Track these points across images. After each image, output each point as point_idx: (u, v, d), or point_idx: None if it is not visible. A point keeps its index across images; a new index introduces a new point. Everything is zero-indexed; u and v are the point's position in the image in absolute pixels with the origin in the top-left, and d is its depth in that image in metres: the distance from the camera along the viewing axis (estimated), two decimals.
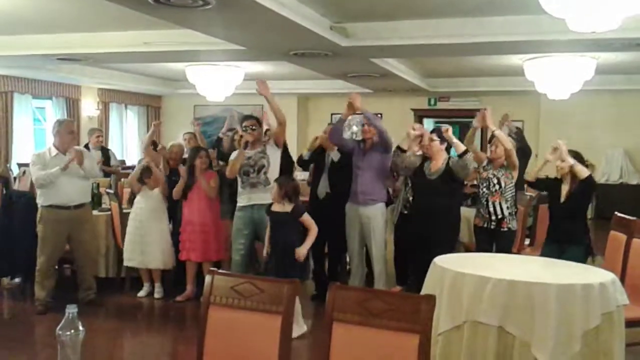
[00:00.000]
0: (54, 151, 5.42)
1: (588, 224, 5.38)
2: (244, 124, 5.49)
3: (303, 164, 6.41)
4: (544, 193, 5.62)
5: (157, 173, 5.96)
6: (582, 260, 4.66)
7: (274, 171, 5.39)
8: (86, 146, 8.80)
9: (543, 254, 5.05)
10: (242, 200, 5.40)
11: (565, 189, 5.00)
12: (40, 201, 5.42)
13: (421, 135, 5.37)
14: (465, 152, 5.12)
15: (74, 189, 5.43)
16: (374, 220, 5.60)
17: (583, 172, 4.86)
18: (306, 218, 4.84)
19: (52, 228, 5.39)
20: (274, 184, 4.90)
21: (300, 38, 6.33)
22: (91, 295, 5.63)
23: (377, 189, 5.64)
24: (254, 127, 5.45)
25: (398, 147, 5.41)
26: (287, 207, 4.81)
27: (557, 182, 5.09)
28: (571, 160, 4.91)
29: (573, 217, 4.96)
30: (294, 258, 4.74)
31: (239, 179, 5.43)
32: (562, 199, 5.00)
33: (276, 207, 4.84)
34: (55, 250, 5.47)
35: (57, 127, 5.52)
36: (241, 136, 5.38)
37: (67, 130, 5.49)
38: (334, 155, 5.93)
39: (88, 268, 5.68)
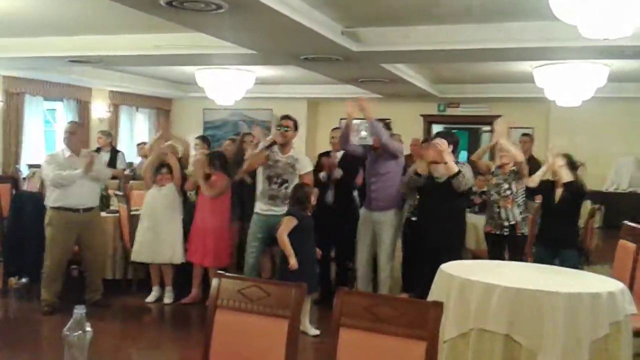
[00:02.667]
0: (68, 152, 5.44)
1: (580, 229, 5.44)
2: (279, 123, 5.34)
3: (322, 185, 6.30)
4: None
5: (175, 165, 5.95)
6: (577, 262, 4.68)
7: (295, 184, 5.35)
8: (98, 149, 8.87)
9: (535, 256, 5.08)
10: (259, 207, 5.37)
11: (559, 192, 5.03)
12: (49, 202, 5.42)
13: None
14: (457, 174, 5.05)
15: (85, 191, 5.45)
16: (385, 225, 5.62)
17: (566, 176, 4.87)
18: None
19: (61, 231, 5.39)
20: None
21: (312, 42, 6.34)
22: (97, 296, 5.64)
23: (390, 195, 5.65)
24: (287, 128, 5.30)
25: (416, 173, 5.34)
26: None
27: (552, 185, 5.11)
28: (560, 162, 4.92)
29: (565, 220, 4.99)
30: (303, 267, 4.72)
31: (261, 182, 5.38)
32: (556, 202, 5.05)
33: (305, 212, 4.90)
34: (63, 253, 5.47)
35: (70, 127, 5.56)
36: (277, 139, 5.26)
37: (71, 131, 5.49)
38: (336, 172, 5.93)
39: (96, 271, 5.68)
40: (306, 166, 5.35)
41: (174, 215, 5.95)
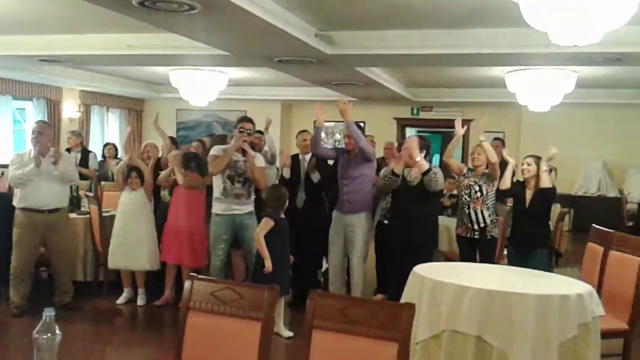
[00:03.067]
0: (34, 152, 5.35)
1: (550, 230, 5.55)
2: (241, 125, 5.36)
3: (287, 183, 6.36)
4: None
5: (145, 170, 5.90)
6: (548, 263, 4.78)
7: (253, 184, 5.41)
8: (68, 149, 8.74)
9: (509, 258, 5.18)
10: (220, 208, 5.36)
11: (529, 193, 5.13)
12: (15, 203, 5.36)
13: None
14: (428, 171, 5.15)
15: (50, 192, 5.35)
16: (357, 228, 5.63)
17: (546, 182, 5.00)
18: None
19: (26, 232, 5.33)
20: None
21: (285, 45, 6.34)
22: (67, 298, 5.56)
23: (362, 198, 5.67)
24: (249, 131, 5.37)
25: (393, 173, 5.38)
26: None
27: (522, 187, 5.21)
28: (545, 167, 5.03)
29: (536, 221, 5.09)
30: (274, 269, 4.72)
31: (220, 183, 5.37)
32: (527, 204, 5.14)
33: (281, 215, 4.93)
34: (28, 254, 5.39)
35: (38, 128, 5.44)
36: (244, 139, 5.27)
37: (39, 131, 5.38)
38: (314, 177, 5.95)
39: (65, 273, 5.60)
40: (258, 162, 5.39)
41: (145, 221, 5.89)
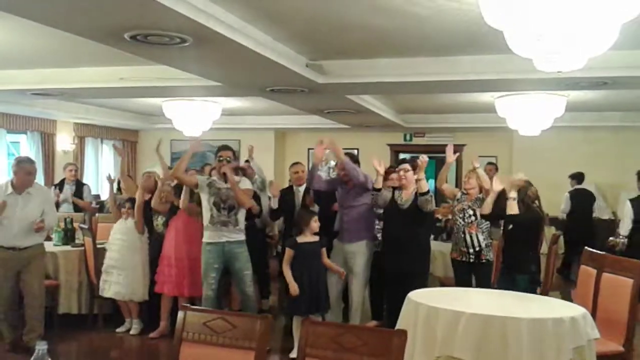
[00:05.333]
0: (10, 189, 5.24)
1: (539, 255, 5.60)
2: (219, 154, 5.50)
3: (273, 214, 6.44)
4: None
5: (137, 202, 5.92)
6: (529, 289, 4.80)
7: (243, 211, 5.43)
8: (62, 181, 8.74)
9: (497, 282, 5.20)
10: (211, 237, 5.38)
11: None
12: None
13: (387, 172, 5.52)
14: (426, 192, 5.23)
15: (23, 232, 5.21)
16: (357, 255, 5.66)
17: (511, 209, 5.00)
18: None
19: (0, 268, 5.17)
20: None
21: (277, 75, 6.41)
22: (35, 339, 5.12)
23: (362, 226, 5.72)
24: (229, 159, 5.46)
25: (373, 188, 5.49)
26: (314, 237, 5.09)
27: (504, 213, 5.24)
28: (513, 194, 5.00)
29: (518, 246, 5.12)
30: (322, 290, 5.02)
31: (207, 210, 5.39)
32: (508, 229, 5.19)
33: (303, 239, 5.08)
34: (6, 289, 5.24)
35: (17, 165, 5.32)
36: (219, 167, 5.36)
37: (26, 172, 5.28)
38: (313, 209, 6.00)
39: (33, 309, 5.34)
40: (245, 184, 5.54)
41: (135, 252, 5.89)
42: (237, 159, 5.72)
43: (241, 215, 5.44)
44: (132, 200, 5.95)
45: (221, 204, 5.35)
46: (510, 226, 5.20)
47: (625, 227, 7.18)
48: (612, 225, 10.13)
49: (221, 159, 5.45)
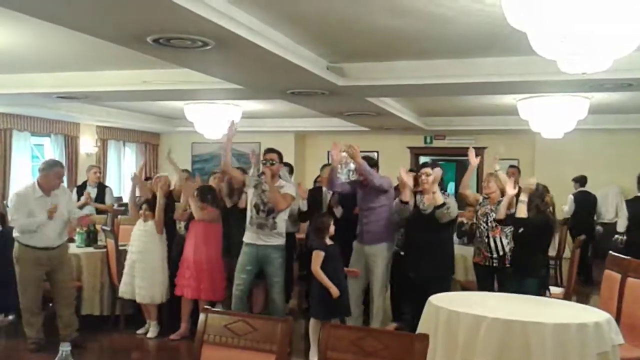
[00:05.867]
0: (39, 192, 5.35)
1: (548, 259, 5.64)
2: (264, 157, 5.51)
3: (302, 215, 6.40)
4: None
5: (158, 205, 5.95)
6: (537, 293, 4.73)
7: (283, 215, 5.42)
8: (84, 183, 8.84)
9: (504, 281, 5.14)
10: (248, 238, 5.40)
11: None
12: (17, 237, 5.34)
13: (414, 179, 5.50)
14: (442, 205, 5.20)
15: (56, 232, 5.40)
16: (377, 258, 5.67)
17: (521, 212, 4.93)
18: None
19: (30, 267, 5.32)
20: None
21: (297, 78, 6.42)
22: (74, 333, 5.51)
23: (382, 228, 5.73)
24: (273, 162, 5.44)
25: (400, 201, 5.46)
26: (331, 241, 5.12)
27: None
28: (523, 197, 4.95)
29: (529, 249, 5.04)
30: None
31: (248, 212, 5.41)
32: (519, 232, 5.13)
33: (329, 242, 5.12)
34: (36, 289, 5.39)
35: (47, 169, 5.43)
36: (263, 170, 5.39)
37: (57, 176, 5.42)
38: (337, 211, 6.00)
39: (67, 306, 5.54)
40: (287, 190, 5.48)
41: (154, 254, 5.92)
42: (281, 162, 5.65)
43: (280, 219, 5.41)
44: (148, 202, 5.99)
45: (261, 205, 5.36)
46: (521, 229, 5.13)
47: (622, 225, 8.33)
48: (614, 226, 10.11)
49: (265, 161, 5.44)
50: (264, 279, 5.60)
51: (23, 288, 5.34)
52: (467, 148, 5.89)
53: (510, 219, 5.14)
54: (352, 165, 5.61)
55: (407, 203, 5.46)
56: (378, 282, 5.66)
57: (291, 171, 5.96)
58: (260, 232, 5.34)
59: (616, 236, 8.45)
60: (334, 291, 4.90)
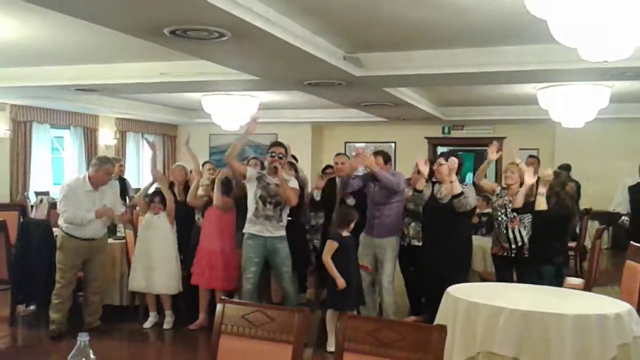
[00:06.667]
0: (88, 186, 5.46)
1: (566, 248, 5.65)
2: (272, 150, 5.46)
3: (315, 205, 6.36)
4: None
5: (168, 196, 5.97)
6: (553, 280, 4.69)
7: (286, 207, 5.44)
8: None
9: (523, 272, 5.10)
10: (252, 228, 5.39)
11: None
12: (62, 227, 5.47)
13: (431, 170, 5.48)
14: (460, 194, 5.15)
15: (99, 225, 5.60)
16: (387, 250, 5.67)
17: (542, 205, 4.89)
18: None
19: (73, 256, 5.48)
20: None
21: (314, 68, 6.40)
22: (97, 321, 5.65)
23: (394, 222, 5.73)
24: (281, 155, 5.42)
25: (414, 190, 5.46)
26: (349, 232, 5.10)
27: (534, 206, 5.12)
28: (542, 190, 4.88)
29: (547, 237, 4.98)
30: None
31: (253, 203, 5.42)
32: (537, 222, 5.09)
33: (345, 233, 5.09)
34: (74, 276, 5.56)
35: (99, 165, 5.52)
36: (274, 165, 5.35)
37: (106, 172, 5.54)
38: (349, 201, 5.98)
39: (98, 294, 5.72)
40: (293, 184, 5.45)
41: (166, 244, 5.95)
42: (287, 156, 5.63)
43: (285, 212, 5.43)
44: (160, 195, 6.01)
45: (268, 198, 5.35)
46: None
47: (624, 208, 9.15)
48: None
49: (273, 154, 5.40)
50: (269, 269, 5.63)
51: (61, 274, 5.46)
52: (486, 138, 5.84)
53: (528, 208, 5.09)
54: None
55: (421, 191, 5.46)
56: (387, 273, 5.68)
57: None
58: (267, 223, 5.34)
59: (623, 218, 9.32)
60: (340, 282, 4.90)
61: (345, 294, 4.92)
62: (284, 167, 5.41)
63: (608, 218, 10.23)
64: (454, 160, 5.25)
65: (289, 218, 5.59)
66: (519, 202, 5.14)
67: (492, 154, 5.63)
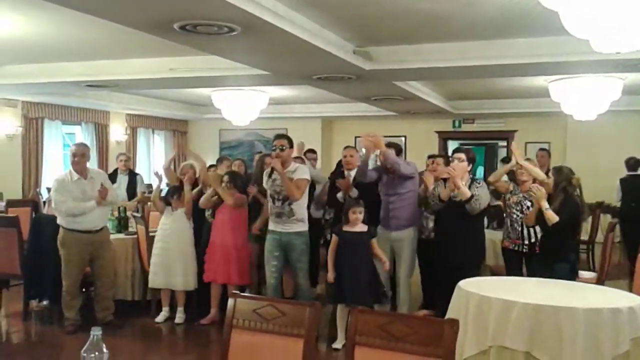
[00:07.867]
0: (75, 175, 5.51)
1: (578, 244, 5.59)
2: (274, 143, 5.38)
3: (335, 203, 6.26)
4: None
5: (186, 192, 6.00)
6: (568, 277, 4.63)
7: (301, 201, 5.33)
8: (115, 171, 8.95)
9: (532, 269, 5.05)
10: (271, 225, 5.44)
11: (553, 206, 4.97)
12: (62, 223, 5.51)
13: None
14: (470, 198, 5.10)
15: (98, 215, 5.58)
16: (404, 243, 5.65)
17: (552, 218, 4.70)
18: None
19: (76, 251, 5.49)
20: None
21: (324, 62, 6.39)
22: (109, 316, 5.68)
23: (409, 213, 5.69)
24: (283, 147, 5.31)
25: (439, 199, 5.36)
26: (361, 227, 5.02)
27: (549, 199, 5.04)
28: (545, 205, 4.76)
29: (560, 235, 4.86)
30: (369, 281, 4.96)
31: (269, 202, 5.45)
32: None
33: (348, 228, 5.04)
34: (79, 272, 5.58)
35: (71, 151, 5.62)
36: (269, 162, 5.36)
37: (80, 154, 5.57)
38: (352, 193, 5.93)
39: (107, 289, 5.74)
40: (300, 174, 5.32)
41: (184, 241, 5.97)
42: (292, 147, 5.49)
43: (297, 205, 5.29)
44: (178, 191, 6.03)
45: (276, 195, 5.34)
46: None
47: (616, 197, 9.41)
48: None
49: (274, 147, 5.32)
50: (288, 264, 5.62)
51: (67, 271, 5.50)
52: (498, 132, 5.80)
53: (541, 223, 4.97)
54: (378, 151, 5.56)
55: (444, 201, 5.34)
56: (405, 267, 5.64)
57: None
58: (279, 220, 5.33)
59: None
60: (329, 276, 4.98)
61: (340, 287, 4.95)
62: (287, 160, 5.32)
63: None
64: (458, 167, 5.18)
65: None
66: (532, 220, 5.01)
67: (519, 158, 5.49)
